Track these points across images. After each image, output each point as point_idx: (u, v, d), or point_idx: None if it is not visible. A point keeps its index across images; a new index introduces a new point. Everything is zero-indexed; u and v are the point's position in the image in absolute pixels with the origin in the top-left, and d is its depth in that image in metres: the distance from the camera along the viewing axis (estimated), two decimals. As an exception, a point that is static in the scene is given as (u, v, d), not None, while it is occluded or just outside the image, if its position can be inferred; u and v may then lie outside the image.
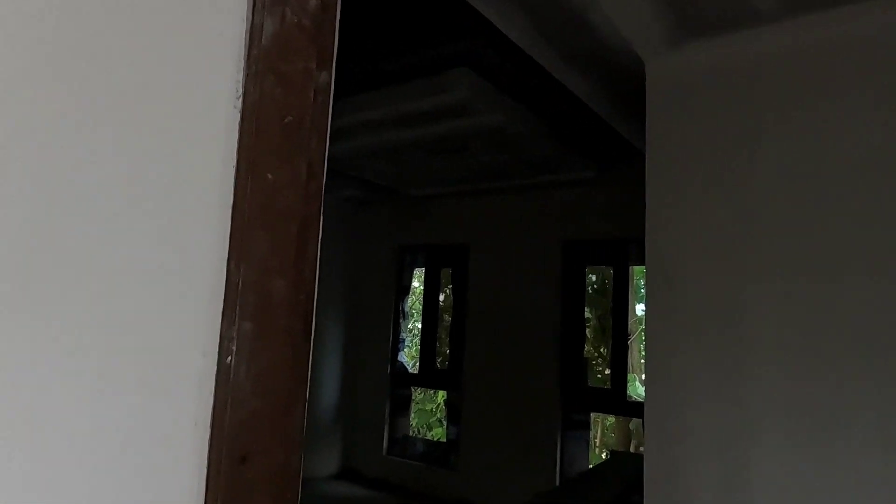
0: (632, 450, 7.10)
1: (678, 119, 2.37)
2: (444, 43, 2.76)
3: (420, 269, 6.02)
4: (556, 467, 4.43)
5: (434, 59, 2.88)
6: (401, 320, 5.75)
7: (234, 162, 0.83)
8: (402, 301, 5.80)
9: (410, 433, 5.93)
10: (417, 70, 2.97)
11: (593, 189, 4.54)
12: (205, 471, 0.79)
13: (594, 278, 7.75)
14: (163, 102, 0.85)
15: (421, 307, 6.07)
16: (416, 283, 7.02)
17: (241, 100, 0.85)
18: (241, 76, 0.86)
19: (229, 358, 0.81)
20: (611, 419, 8.94)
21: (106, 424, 0.83)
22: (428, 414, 9.10)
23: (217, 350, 0.81)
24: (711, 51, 2.32)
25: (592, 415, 4.95)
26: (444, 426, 8.52)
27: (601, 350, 8.02)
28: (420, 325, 6.09)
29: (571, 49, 2.56)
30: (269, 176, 0.87)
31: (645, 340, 2.37)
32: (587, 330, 5.80)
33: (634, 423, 7.28)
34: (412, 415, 6.33)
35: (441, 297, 6.04)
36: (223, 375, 0.81)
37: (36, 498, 0.93)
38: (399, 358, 5.72)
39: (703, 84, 2.34)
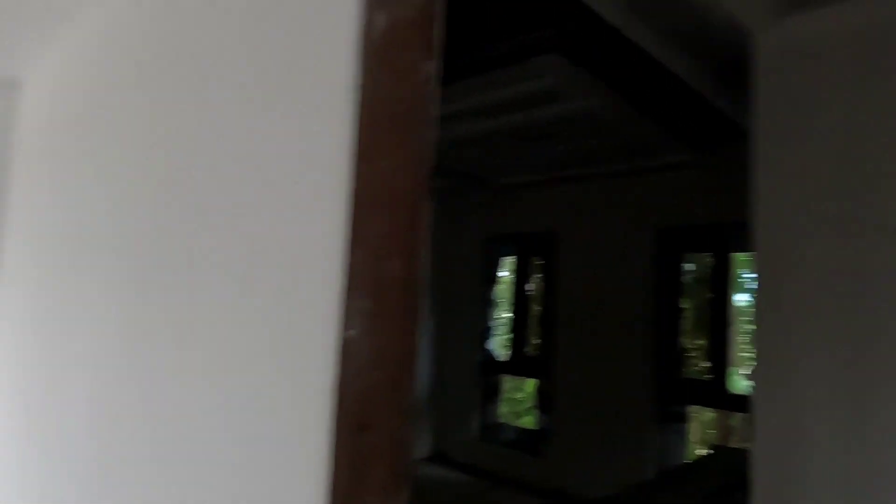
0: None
1: (790, 93, 2.22)
2: (534, 29, 2.74)
3: (509, 258, 6.03)
4: (650, 459, 4.32)
5: (523, 47, 2.86)
6: (489, 309, 5.79)
7: (351, 150, 0.89)
8: (491, 290, 5.83)
9: (500, 420, 5.97)
10: (506, 58, 2.96)
11: (690, 173, 4.35)
12: (330, 437, 0.85)
13: (691, 267, 7.42)
14: (289, 99, 0.92)
15: (510, 296, 6.08)
16: (505, 272, 7.03)
17: (356, 91, 0.90)
18: (356, 69, 0.91)
19: (350, 332, 0.87)
20: (709, 414, 8.56)
21: (248, 389, 0.93)
22: (517, 403, 9.12)
23: (339, 325, 0.87)
24: (826, 18, 2.15)
25: (690, 409, 4.77)
26: (535, 414, 8.52)
27: (697, 342, 7.68)
28: (509, 314, 6.11)
29: (670, 25, 2.47)
30: (383, 163, 0.92)
31: (755, 330, 2.25)
32: (683, 320, 5.56)
33: (736, 418, 6.93)
34: (501, 403, 6.37)
35: (531, 286, 6.01)
36: (345, 348, 0.87)
37: (189, 445, 1.04)
38: (488, 346, 5.77)
39: (817, 55, 2.18)
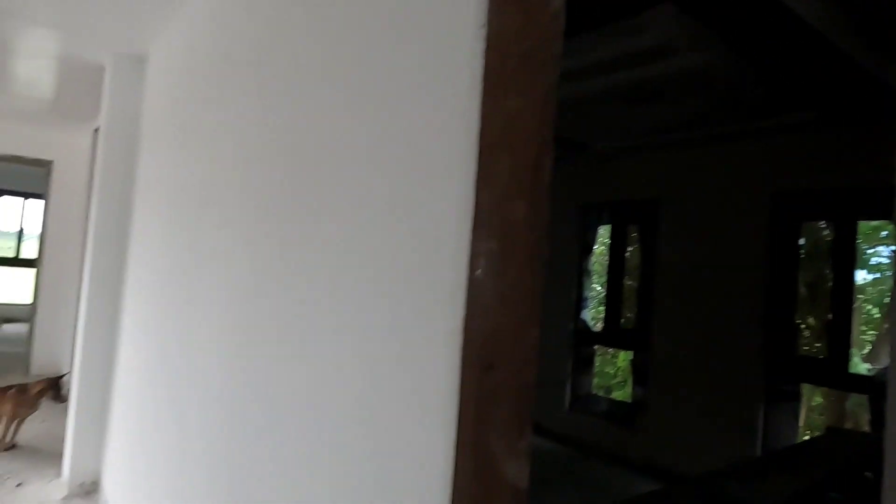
0: (847, 432, 6.29)
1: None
2: (645, -21, 2.58)
3: (605, 227, 5.85)
4: (756, 438, 4.10)
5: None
6: (584, 278, 5.67)
7: (479, 89, 0.88)
8: (586, 259, 5.70)
9: (593, 391, 5.89)
10: (613, 12, 2.81)
11: (811, 134, 3.99)
12: (458, 375, 0.86)
13: (802, 241, 6.89)
14: (419, 37, 0.92)
15: (605, 265, 5.92)
16: (601, 242, 6.85)
17: (484, 29, 0.89)
18: (483, 6, 0.89)
19: (478, 272, 0.87)
20: (818, 398, 8.02)
21: (379, 328, 0.96)
22: (608, 376, 8.97)
23: (467, 265, 0.87)
24: None
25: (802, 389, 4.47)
26: (627, 387, 8.35)
27: (808, 320, 7.15)
28: (604, 284, 5.96)
29: (800, -33, 2.24)
30: (510, 103, 0.90)
31: (891, 305, 2.04)
32: (798, 294, 5.18)
33: (852, 402, 6.44)
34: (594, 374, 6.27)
35: (628, 256, 5.82)
36: (472, 289, 0.87)
37: (322, 384, 1.10)
38: (582, 316, 5.68)
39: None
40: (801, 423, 7.55)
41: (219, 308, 1.75)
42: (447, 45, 0.90)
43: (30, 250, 8.80)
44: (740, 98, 3.65)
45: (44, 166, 5.96)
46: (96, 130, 4.55)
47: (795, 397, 4.22)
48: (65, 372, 4.40)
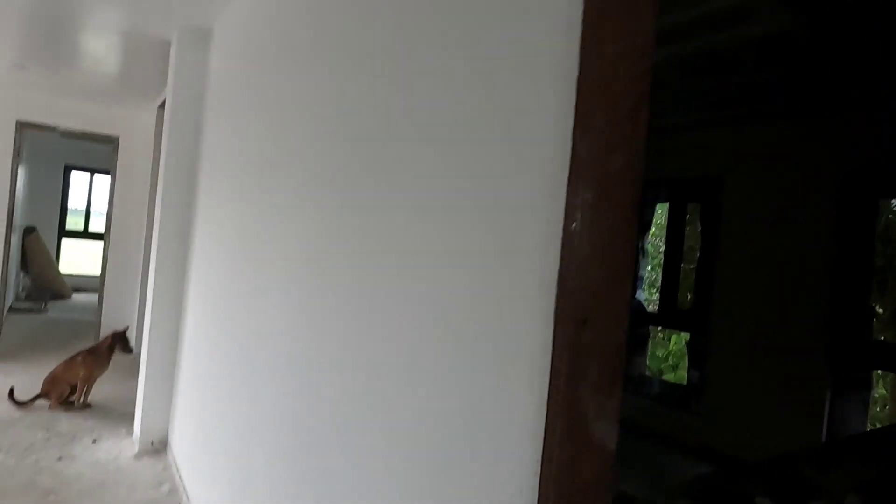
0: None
1: None
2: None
3: (662, 205, 5.68)
4: (821, 427, 3.95)
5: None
6: (640, 257, 5.54)
7: (578, 34, 0.84)
8: (642, 238, 5.56)
9: (646, 373, 5.78)
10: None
11: (890, 108, 3.74)
12: (551, 329, 0.84)
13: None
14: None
15: (662, 244, 5.76)
16: (656, 220, 6.65)
17: (585, -30, 0.84)
18: (584, -54, 0.85)
19: (574, 225, 0.84)
20: (881, 390, 7.67)
21: (469, 281, 0.95)
22: (659, 360, 8.78)
23: (562, 218, 0.84)
24: None
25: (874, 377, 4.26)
26: (679, 370, 8.16)
27: (876, 307, 6.80)
28: (658, 264, 5.81)
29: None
30: (610, 48, 0.86)
31: None
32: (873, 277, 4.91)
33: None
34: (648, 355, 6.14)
35: (686, 235, 5.63)
36: (568, 241, 0.84)
37: (411, 337, 1.09)
38: (637, 296, 5.55)
39: None
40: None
41: (288, 270, 1.78)
42: (547, -13, 0.86)
43: (97, 224, 9.23)
44: (816, 69, 3.45)
45: (111, 142, 6.20)
46: (161, 106, 4.68)
47: (865, 385, 4.03)
48: (126, 325, 4.64)
